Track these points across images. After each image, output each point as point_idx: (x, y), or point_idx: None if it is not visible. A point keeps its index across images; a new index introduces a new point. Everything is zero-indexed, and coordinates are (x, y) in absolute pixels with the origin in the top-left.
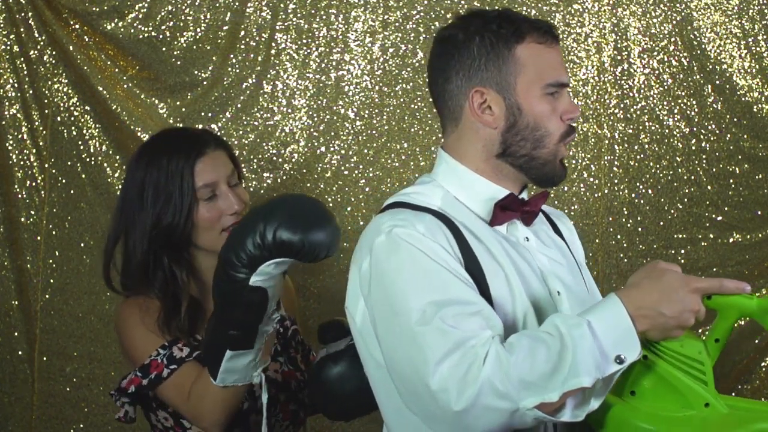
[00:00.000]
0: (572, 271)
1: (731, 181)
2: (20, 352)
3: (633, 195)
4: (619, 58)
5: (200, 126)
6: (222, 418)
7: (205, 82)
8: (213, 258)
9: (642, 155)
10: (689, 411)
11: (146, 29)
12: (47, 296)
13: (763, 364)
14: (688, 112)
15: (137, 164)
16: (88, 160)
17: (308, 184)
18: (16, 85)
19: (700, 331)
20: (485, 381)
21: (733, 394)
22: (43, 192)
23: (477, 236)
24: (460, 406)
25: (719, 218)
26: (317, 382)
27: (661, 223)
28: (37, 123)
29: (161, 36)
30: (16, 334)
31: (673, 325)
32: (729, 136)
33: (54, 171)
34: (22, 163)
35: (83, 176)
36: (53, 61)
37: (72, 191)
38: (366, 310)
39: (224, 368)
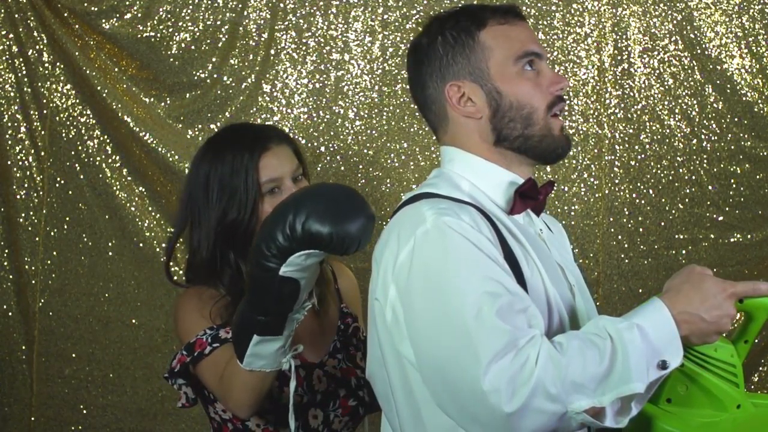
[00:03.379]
0: (574, 264)
1: (732, 181)
2: (19, 354)
3: (634, 195)
4: (619, 57)
5: (199, 126)
6: (249, 401)
7: (204, 82)
8: None
9: (643, 155)
10: (723, 414)
11: (144, 29)
12: (46, 297)
13: (762, 360)
14: (689, 111)
15: (202, 159)
16: (86, 160)
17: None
18: (15, 85)
19: None
20: (538, 382)
21: None
22: (41, 192)
23: (506, 227)
24: (512, 407)
25: (720, 218)
26: None
27: (662, 224)
28: (36, 123)
29: (159, 36)
30: (14, 335)
31: (712, 330)
32: (730, 135)
33: (52, 171)
34: (20, 163)
35: (81, 177)
36: (52, 61)
37: (70, 192)
38: (396, 302)
39: (251, 352)
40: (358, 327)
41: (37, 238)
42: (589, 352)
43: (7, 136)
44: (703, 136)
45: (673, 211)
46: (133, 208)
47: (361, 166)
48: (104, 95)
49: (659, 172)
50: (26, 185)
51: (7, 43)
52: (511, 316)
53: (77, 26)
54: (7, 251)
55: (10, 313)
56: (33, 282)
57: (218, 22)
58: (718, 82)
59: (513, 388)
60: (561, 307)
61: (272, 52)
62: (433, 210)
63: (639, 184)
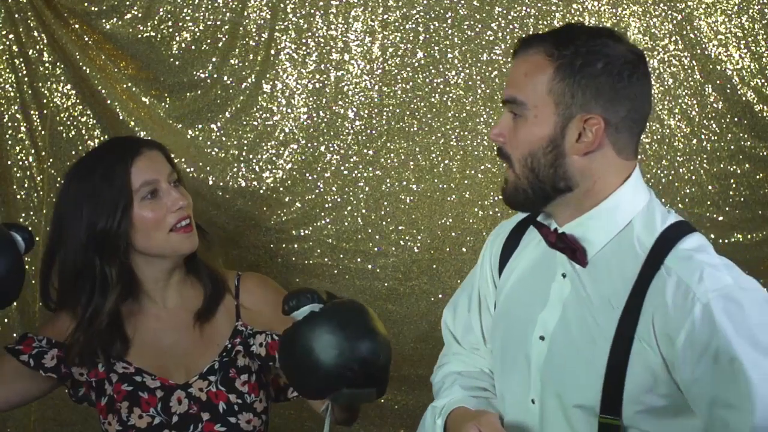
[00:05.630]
0: (592, 336)
1: (732, 181)
2: None
3: None
4: None
5: (199, 126)
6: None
7: (204, 82)
8: (155, 264)
9: (643, 155)
10: None
11: (145, 29)
12: None
13: None
14: (689, 111)
15: (69, 178)
16: None
17: (308, 184)
18: (15, 85)
19: None
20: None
21: None
22: (41, 192)
23: (524, 252)
24: None
25: (720, 218)
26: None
27: None
28: (36, 123)
29: (160, 36)
30: (14, 335)
31: None
32: (730, 135)
33: (53, 171)
34: (21, 163)
35: None
36: (52, 61)
37: None
38: None
39: None
40: (249, 351)
41: (37, 238)
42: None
43: (7, 136)
44: (703, 136)
45: (673, 211)
46: None
47: (360, 166)
48: (104, 95)
49: (659, 171)
50: (26, 185)
51: (7, 43)
52: (461, 325)
53: (77, 26)
54: None
55: (9, 314)
56: (33, 282)
57: (218, 22)
58: (718, 82)
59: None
60: (517, 348)
61: (272, 52)
62: None
63: None
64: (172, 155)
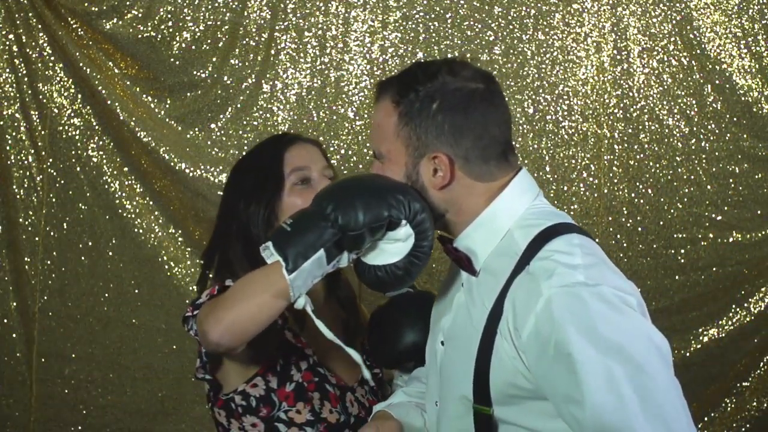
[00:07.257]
0: (469, 335)
1: (731, 180)
2: (18, 354)
3: (633, 194)
4: (618, 57)
5: (199, 126)
6: (245, 327)
7: (204, 82)
8: None
9: (642, 155)
10: None
11: (145, 29)
12: (45, 298)
13: (761, 363)
14: (688, 111)
15: (231, 173)
16: (86, 160)
17: None
18: (14, 84)
19: None
20: None
21: (732, 395)
22: (41, 192)
23: (452, 271)
24: None
25: (719, 218)
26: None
27: (661, 223)
28: (35, 123)
29: (160, 36)
30: (14, 335)
31: None
32: (729, 135)
33: (52, 171)
34: (20, 163)
35: (81, 177)
36: (52, 61)
37: (70, 192)
38: None
39: (306, 267)
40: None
41: (37, 238)
42: None
43: (7, 136)
44: (701, 136)
45: (672, 211)
46: (133, 208)
47: (361, 166)
48: (104, 95)
49: (658, 171)
50: (26, 185)
51: (7, 43)
52: None
53: (77, 26)
54: (6, 251)
55: (9, 314)
56: (33, 282)
57: (218, 22)
58: (717, 82)
59: None
60: (431, 356)
61: (272, 52)
62: None
63: (638, 184)
64: (173, 155)
